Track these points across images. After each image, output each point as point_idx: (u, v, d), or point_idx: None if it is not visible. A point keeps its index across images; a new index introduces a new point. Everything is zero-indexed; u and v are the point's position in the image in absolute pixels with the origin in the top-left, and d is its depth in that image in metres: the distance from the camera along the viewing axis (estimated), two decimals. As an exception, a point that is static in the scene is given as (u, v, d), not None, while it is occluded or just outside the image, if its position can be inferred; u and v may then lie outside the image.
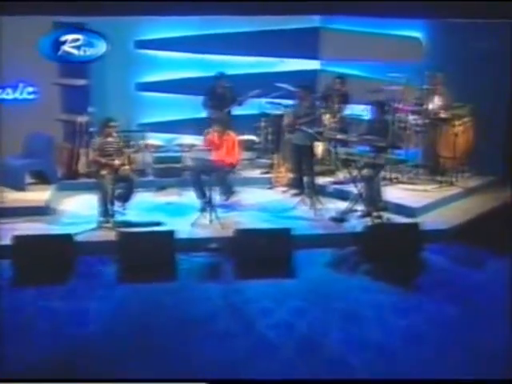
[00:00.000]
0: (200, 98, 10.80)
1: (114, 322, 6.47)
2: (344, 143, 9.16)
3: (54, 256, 7.34)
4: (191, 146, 11.22)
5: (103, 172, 8.34)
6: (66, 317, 6.51)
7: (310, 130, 9.00)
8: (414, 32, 10.80)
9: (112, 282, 7.24)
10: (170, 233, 7.63)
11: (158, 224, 8.47)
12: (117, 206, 8.56)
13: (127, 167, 8.67)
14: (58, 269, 7.33)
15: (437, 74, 9.82)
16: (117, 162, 8.47)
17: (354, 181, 8.80)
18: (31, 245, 7.41)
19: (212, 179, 8.83)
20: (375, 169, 8.50)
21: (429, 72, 9.83)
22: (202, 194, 8.98)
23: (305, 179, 9.51)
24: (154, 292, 7.00)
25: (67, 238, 7.57)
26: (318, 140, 9.22)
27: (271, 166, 10.56)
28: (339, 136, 8.81)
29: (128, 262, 7.43)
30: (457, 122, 9.66)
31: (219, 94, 10.55)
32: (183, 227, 8.29)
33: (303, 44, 11.43)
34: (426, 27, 10.68)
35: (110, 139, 8.59)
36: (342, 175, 9.92)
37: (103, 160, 8.42)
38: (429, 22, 10.59)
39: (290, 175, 10.06)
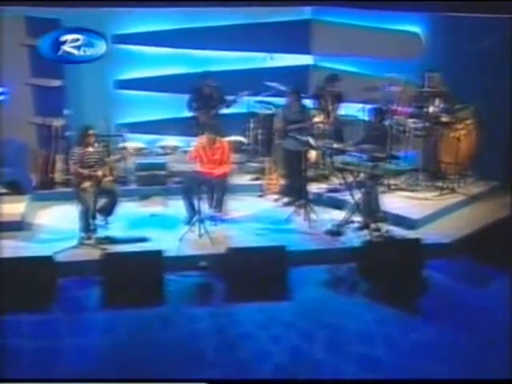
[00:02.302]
0: (184, 96, 10.88)
1: (99, 352, 6.53)
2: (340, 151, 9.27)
3: (32, 280, 7.32)
4: (175, 148, 11.39)
5: (85, 185, 8.37)
6: (48, 346, 6.57)
7: (303, 138, 9.12)
8: (413, 27, 10.94)
9: (96, 308, 7.28)
10: (158, 252, 7.71)
11: (143, 240, 8.55)
12: (99, 219, 8.64)
13: (110, 178, 8.75)
14: (37, 294, 7.30)
15: (437, 74, 9.95)
16: (99, 173, 8.50)
17: (349, 188, 8.96)
18: (6, 268, 7.35)
19: (202, 191, 8.91)
20: (373, 179, 8.64)
21: (428, 73, 9.95)
22: (192, 208, 9.08)
23: (298, 187, 9.65)
24: (140, 319, 7.05)
25: (47, 260, 7.59)
26: (313, 148, 9.34)
27: (262, 171, 10.69)
28: (336, 145, 8.93)
29: (112, 285, 7.44)
30: (459, 126, 9.82)
31: (206, 95, 10.61)
32: (170, 243, 8.40)
33: (294, 38, 11.54)
34: (426, 22, 10.81)
35: (90, 149, 8.61)
36: (336, 181, 10.09)
37: (85, 172, 8.45)
38: (429, 16, 10.70)
39: (282, 182, 10.21)
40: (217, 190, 9.21)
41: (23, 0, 9.92)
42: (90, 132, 8.65)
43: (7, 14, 9.90)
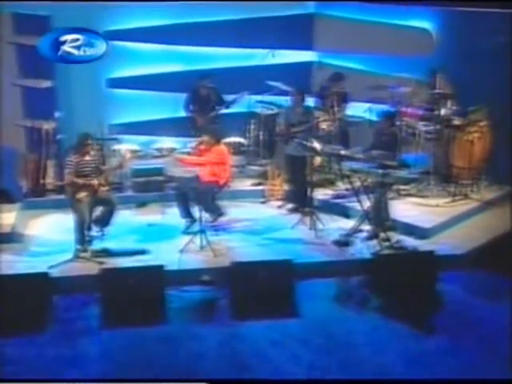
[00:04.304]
0: (180, 95, 10.95)
1: (97, 374, 6.52)
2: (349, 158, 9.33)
3: (26, 298, 7.35)
4: (171, 150, 11.39)
5: (80, 195, 8.37)
6: (44, 368, 6.58)
7: (307, 144, 9.16)
8: (423, 22, 10.94)
9: (93, 329, 7.29)
10: (159, 267, 7.77)
11: (142, 252, 8.60)
12: (95, 230, 8.68)
13: (107, 188, 8.79)
14: (32, 313, 7.34)
15: (448, 74, 10.00)
16: (95, 183, 8.51)
17: (356, 194, 9.04)
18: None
19: (199, 199, 8.95)
20: (383, 188, 8.72)
21: (440, 73, 9.99)
22: (186, 214, 9.18)
23: (302, 193, 9.71)
24: (142, 340, 7.06)
25: (42, 276, 7.61)
26: (319, 154, 9.40)
27: (264, 176, 10.75)
28: (343, 152, 9.00)
29: (111, 303, 7.50)
30: (472, 128, 9.88)
31: (203, 97, 10.67)
32: (171, 255, 8.46)
33: (296, 33, 11.57)
34: (437, 17, 10.80)
35: (86, 157, 8.62)
36: (343, 186, 10.20)
37: (81, 181, 8.46)
38: (440, 12, 10.71)
39: (286, 187, 10.28)
40: (214, 199, 9.28)
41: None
42: (89, 141, 8.68)
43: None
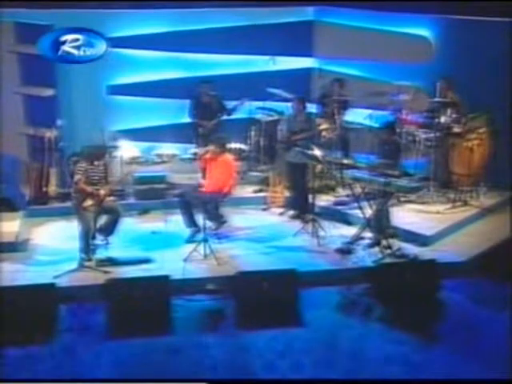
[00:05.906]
0: (180, 102, 11.04)
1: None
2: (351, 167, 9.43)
3: (33, 309, 7.40)
4: (172, 156, 11.48)
5: (87, 203, 8.45)
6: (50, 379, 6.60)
7: (308, 152, 9.26)
8: (422, 30, 11.02)
9: (99, 339, 7.33)
10: (165, 278, 7.84)
11: (146, 261, 8.69)
12: (99, 239, 8.76)
13: (112, 198, 8.86)
14: (38, 324, 7.38)
15: (448, 82, 10.10)
16: (102, 192, 8.59)
17: (357, 201, 9.14)
18: (4, 298, 7.41)
19: (202, 207, 9.03)
20: (385, 196, 8.82)
21: (440, 81, 10.08)
22: (191, 223, 9.26)
23: (303, 200, 9.81)
24: (147, 349, 7.12)
25: (48, 287, 7.68)
26: (321, 163, 9.50)
27: (265, 182, 10.84)
28: (346, 161, 9.10)
29: (117, 313, 7.58)
30: (472, 135, 9.99)
31: (205, 104, 10.76)
32: (175, 263, 8.54)
33: (296, 40, 11.65)
34: (436, 25, 10.89)
35: (96, 166, 8.71)
36: (343, 192, 10.30)
37: (89, 189, 8.54)
38: (439, 19, 10.80)
39: (287, 194, 10.37)
40: (217, 208, 9.36)
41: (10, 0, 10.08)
42: (103, 152, 8.90)
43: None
